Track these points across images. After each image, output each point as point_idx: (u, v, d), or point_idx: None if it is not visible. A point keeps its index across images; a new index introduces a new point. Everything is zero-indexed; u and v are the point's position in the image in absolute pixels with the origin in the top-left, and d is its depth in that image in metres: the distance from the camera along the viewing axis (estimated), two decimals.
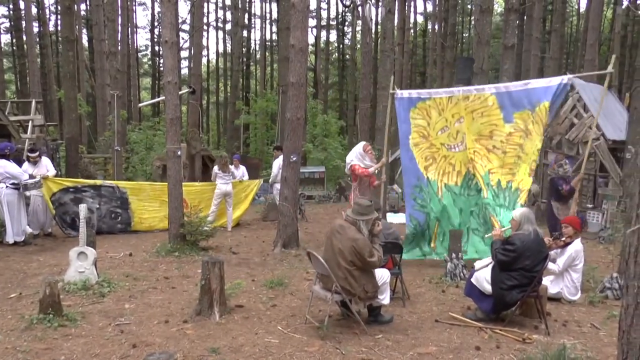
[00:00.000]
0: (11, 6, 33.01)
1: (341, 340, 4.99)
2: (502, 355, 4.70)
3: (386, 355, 4.66)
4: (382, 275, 5.41)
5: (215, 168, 11.50)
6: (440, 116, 8.29)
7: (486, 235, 7.28)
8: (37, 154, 10.10)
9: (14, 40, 35.97)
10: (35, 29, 30.39)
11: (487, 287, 5.55)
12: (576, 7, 37.88)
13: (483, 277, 5.65)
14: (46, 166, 10.17)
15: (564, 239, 6.67)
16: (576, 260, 6.52)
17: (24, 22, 28.64)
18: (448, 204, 8.24)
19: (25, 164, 10.10)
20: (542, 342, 5.00)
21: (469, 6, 38.36)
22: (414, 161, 8.44)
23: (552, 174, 9.21)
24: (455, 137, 8.24)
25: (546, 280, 6.27)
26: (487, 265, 5.80)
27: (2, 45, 33.62)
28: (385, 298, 5.44)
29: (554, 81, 7.95)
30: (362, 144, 8.96)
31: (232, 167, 12.77)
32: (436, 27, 33.50)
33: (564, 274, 6.53)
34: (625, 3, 22.33)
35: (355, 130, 22.21)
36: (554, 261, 6.51)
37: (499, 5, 35.18)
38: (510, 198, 7.86)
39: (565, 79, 7.80)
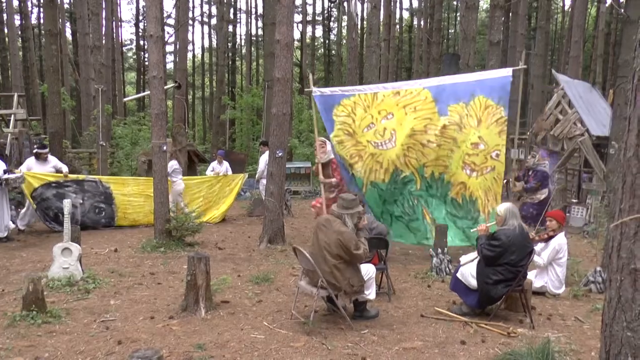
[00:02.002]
0: None
1: (327, 336, 5.00)
2: (487, 349, 4.74)
3: (372, 350, 4.67)
4: (368, 270, 5.42)
5: (175, 163, 10.98)
6: (365, 113, 8.13)
7: (472, 230, 7.33)
8: (47, 150, 10.26)
9: None
10: (17, 22, 29.93)
11: (473, 282, 5.58)
12: (561, 4, 38.18)
13: (468, 272, 5.68)
14: (56, 164, 10.33)
15: (548, 232, 6.74)
16: (560, 253, 6.58)
17: (5, 15, 28.18)
18: (371, 198, 8.23)
19: (32, 160, 10.20)
20: (527, 335, 5.05)
21: (455, 2, 38.52)
22: (340, 159, 8.30)
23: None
24: (382, 134, 8.10)
25: (531, 275, 6.33)
26: (472, 260, 5.83)
27: None
28: (371, 293, 5.45)
29: (487, 74, 8.29)
30: None
31: (215, 163, 12.75)
32: (422, 23, 33.59)
33: (548, 267, 6.59)
34: (608, 1, 22.53)
35: None
36: (538, 254, 6.57)
37: (484, 2, 35.35)
38: (442, 190, 8.12)
39: (492, 73, 8.30)
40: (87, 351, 4.54)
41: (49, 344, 4.68)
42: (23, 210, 10.21)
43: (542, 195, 9.21)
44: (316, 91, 8.35)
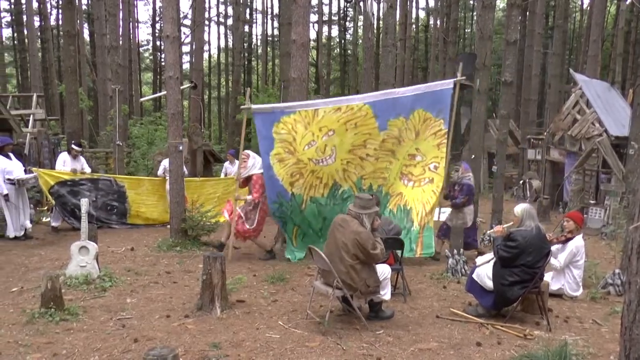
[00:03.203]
0: (12, 0, 32.98)
1: (342, 336, 4.99)
2: (503, 351, 4.70)
3: (387, 351, 4.65)
4: (383, 270, 5.41)
5: (166, 162, 10.59)
6: (306, 130, 7.93)
7: (488, 232, 7.27)
8: (79, 148, 10.68)
9: (15, 34, 35.89)
10: (37, 23, 30.33)
11: (488, 283, 5.54)
12: (579, 3, 37.76)
13: (484, 273, 5.64)
14: (83, 164, 10.73)
15: (565, 233, 6.66)
16: (577, 255, 6.51)
17: (25, 16, 28.54)
18: (310, 214, 8.18)
19: (65, 154, 10.65)
20: (544, 338, 5.00)
21: (471, 1, 38.28)
22: (274, 179, 7.96)
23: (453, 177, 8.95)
24: (323, 151, 7.99)
25: (547, 276, 6.26)
26: (488, 261, 5.79)
27: (3, 39, 33.58)
28: (386, 294, 5.44)
29: (427, 88, 8.34)
30: None
31: (227, 163, 12.81)
32: (438, 22, 33.42)
33: (565, 270, 6.52)
34: None
35: None
36: (555, 257, 6.49)
37: (501, 1, 35.09)
38: (381, 202, 7.99)
39: (434, 85, 8.37)
40: (103, 349, 4.58)
41: (67, 341, 4.73)
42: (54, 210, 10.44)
43: (468, 217, 8.64)
44: (255, 108, 8.10)
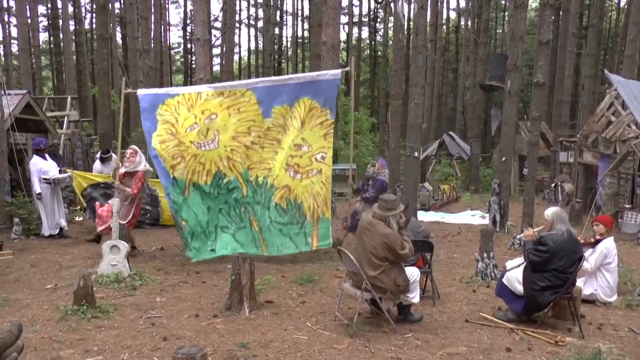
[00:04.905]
0: (49, 5, 33.89)
1: (370, 339, 4.97)
2: (534, 358, 4.61)
3: (415, 355, 4.61)
4: (412, 273, 5.38)
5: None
6: (189, 112, 7.80)
7: (519, 235, 7.16)
8: (109, 154, 10.92)
9: (51, 39, 36.88)
10: (72, 27, 31.03)
11: (519, 288, 5.45)
12: (615, 1, 36.91)
13: (514, 277, 5.55)
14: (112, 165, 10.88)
15: (595, 236, 6.51)
16: (608, 258, 6.31)
17: (60, 21, 29.26)
18: (195, 203, 7.82)
19: (97, 163, 11.00)
20: (576, 345, 4.88)
21: (503, 2, 37.77)
22: (158, 159, 7.72)
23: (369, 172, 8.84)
24: (205, 134, 7.82)
25: (579, 282, 6.11)
26: (518, 266, 5.69)
27: (40, 43, 34.46)
28: (415, 297, 5.40)
29: (313, 77, 8.08)
30: None
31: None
32: (469, 23, 33.11)
33: (598, 274, 6.35)
34: None
35: (387, 128, 22.05)
36: (585, 260, 6.32)
37: (533, 0, 34.54)
38: (266, 195, 7.87)
39: (327, 74, 8.07)
40: (133, 346, 4.65)
41: (98, 338, 4.82)
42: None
43: None
44: (140, 92, 8.12)
